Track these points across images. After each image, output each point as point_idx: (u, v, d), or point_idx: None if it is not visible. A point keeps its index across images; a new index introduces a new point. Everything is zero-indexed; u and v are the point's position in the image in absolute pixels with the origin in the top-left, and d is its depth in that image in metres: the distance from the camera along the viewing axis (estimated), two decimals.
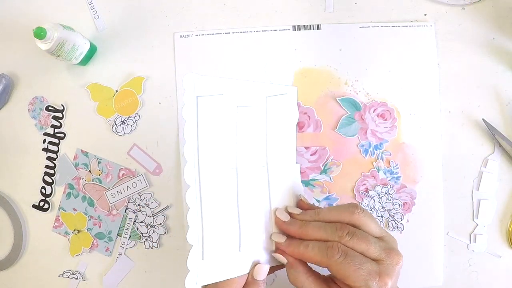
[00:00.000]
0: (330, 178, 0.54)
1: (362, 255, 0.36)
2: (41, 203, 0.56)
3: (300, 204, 0.45)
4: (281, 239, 0.40)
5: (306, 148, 0.54)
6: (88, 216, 0.55)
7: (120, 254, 0.55)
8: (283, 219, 0.41)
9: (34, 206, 0.56)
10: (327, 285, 0.38)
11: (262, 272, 0.40)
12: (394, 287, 0.37)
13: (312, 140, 0.54)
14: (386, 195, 0.54)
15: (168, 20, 0.56)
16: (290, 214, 0.42)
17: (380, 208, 0.54)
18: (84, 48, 0.53)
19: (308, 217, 0.40)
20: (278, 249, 0.41)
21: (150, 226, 0.55)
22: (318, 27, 0.55)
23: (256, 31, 0.55)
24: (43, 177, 0.56)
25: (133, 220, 0.55)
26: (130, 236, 0.55)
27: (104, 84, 0.56)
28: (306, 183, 0.53)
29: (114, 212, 0.55)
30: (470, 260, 0.53)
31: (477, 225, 0.53)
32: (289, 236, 0.41)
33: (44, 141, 0.56)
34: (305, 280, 0.38)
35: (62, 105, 0.56)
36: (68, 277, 0.56)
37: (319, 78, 0.54)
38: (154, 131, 0.55)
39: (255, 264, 0.40)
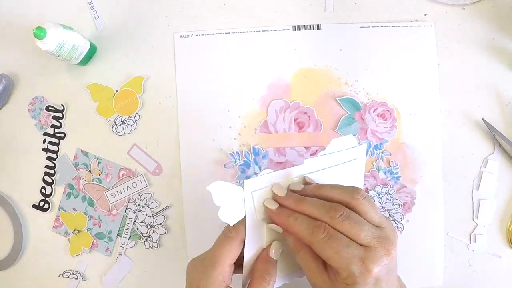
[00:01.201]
0: None
1: (349, 239, 0.35)
2: (41, 203, 0.56)
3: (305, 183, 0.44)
4: (273, 205, 0.39)
5: (306, 148, 0.54)
6: (88, 216, 0.55)
7: (120, 254, 0.55)
8: (280, 194, 0.39)
9: (34, 206, 0.56)
10: (323, 264, 0.38)
11: (276, 250, 0.40)
12: (387, 279, 0.36)
13: (312, 140, 0.54)
14: (386, 195, 0.54)
15: (168, 20, 0.56)
16: (293, 190, 0.40)
17: (380, 208, 0.54)
18: (84, 48, 0.53)
19: (309, 190, 0.39)
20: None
21: (150, 226, 0.55)
22: (318, 27, 0.55)
23: (256, 31, 0.55)
24: (43, 177, 0.56)
25: (133, 220, 0.55)
26: (130, 236, 0.55)
27: (104, 84, 0.56)
28: None
29: (114, 212, 0.55)
30: (470, 260, 0.53)
31: (477, 225, 0.53)
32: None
33: (44, 141, 0.56)
34: (304, 251, 0.38)
35: (62, 105, 0.56)
36: (68, 277, 0.56)
37: (319, 78, 0.54)
38: (154, 131, 0.55)
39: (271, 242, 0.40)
